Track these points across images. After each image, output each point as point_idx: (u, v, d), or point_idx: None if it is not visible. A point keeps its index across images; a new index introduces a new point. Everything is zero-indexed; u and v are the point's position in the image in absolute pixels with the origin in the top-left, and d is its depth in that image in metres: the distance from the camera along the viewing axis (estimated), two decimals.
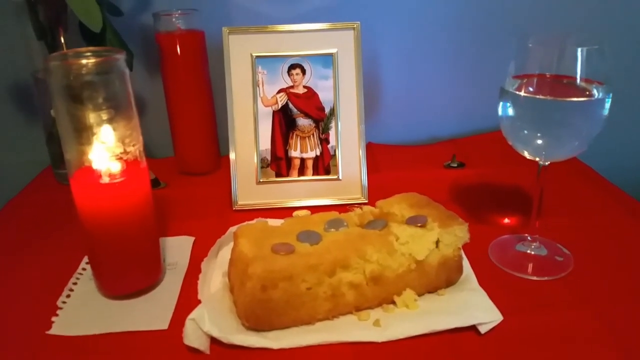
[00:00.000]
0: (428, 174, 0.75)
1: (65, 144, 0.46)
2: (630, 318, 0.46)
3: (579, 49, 0.45)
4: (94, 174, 0.46)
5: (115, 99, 0.45)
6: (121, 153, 0.46)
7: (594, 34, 0.46)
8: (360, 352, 0.43)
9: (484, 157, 0.80)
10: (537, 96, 0.47)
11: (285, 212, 0.63)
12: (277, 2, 0.78)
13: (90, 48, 0.46)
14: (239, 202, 0.67)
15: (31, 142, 0.82)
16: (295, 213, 0.59)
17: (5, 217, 0.67)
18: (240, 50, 0.66)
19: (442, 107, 0.88)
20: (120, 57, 0.44)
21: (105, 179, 0.46)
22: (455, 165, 0.78)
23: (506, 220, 0.63)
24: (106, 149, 0.45)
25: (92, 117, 0.44)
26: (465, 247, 0.50)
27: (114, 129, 0.45)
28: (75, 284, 0.52)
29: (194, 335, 0.42)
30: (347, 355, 0.43)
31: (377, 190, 0.67)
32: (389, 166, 0.78)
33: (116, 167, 0.46)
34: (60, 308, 0.49)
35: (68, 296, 0.51)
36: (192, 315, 0.43)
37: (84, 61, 0.43)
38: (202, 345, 0.42)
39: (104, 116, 0.44)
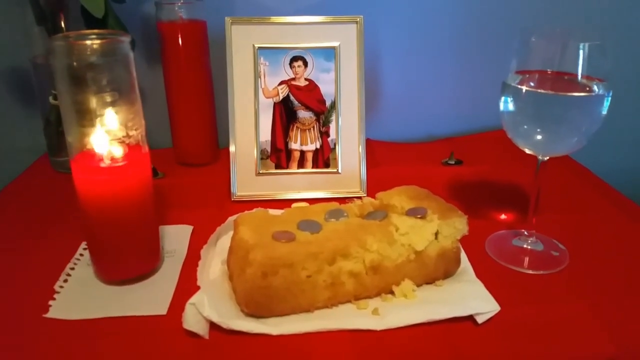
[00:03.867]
0: (426, 170, 0.75)
1: (67, 127, 0.45)
2: (622, 311, 0.47)
3: (581, 45, 0.46)
4: (95, 157, 0.46)
5: (119, 82, 0.45)
6: (123, 137, 0.46)
7: (597, 31, 0.46)
8: (359, 340, 0.43)
9: (482, 156, 0.81)
10: (538, 90, 0.48)
11: (283, 204, 0.63)
12: None
13: (94, 30, 0.46)
14: (238, 193, 0.67)
15: (29, 129, 0.82)
16: (293, 205, 0.59)
17: (1, 203, 0.67)
18: (242, 41, 0.66)
19: (441, 106, 0.89)
20: (125, 40, 0.44)
21: (107, 162, 0.46)
22: (453, 162, 0.78)
23: (503, 216, 0.64)
24: (108, 132, 0.45)
25: (95, 100, 0.44)
26: (462, 241, 0.51)
27: (117, 113, 0.45)
28: (72, 269, 0.52)
29: (193, 320, 0.42)
30: (346, 343, 0.43)
31: (375, 184, 0.67)
32: (387, 162, 0.78)
33: (118, 150, 0.46)
34: (58, 292, 0.49)
35: (65, 281, 0.50)
36: (192, 299, 0.43)
37: (88, 42, 0.43)
38: (202, 329, 0.42)
39: (107, 99, 0.44)
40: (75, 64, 0.43)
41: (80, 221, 0.50)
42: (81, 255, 0.54)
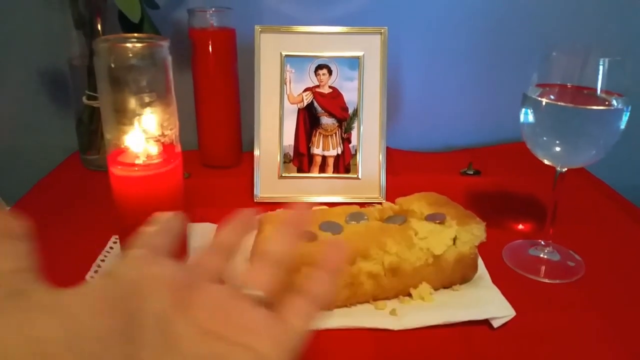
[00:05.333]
0: (444, 179, 0.77)
1: (106, 125, 0.48)
2: (636, 322, 0.48)
3: (601, 60, 0.47)
4: (131, 154, 0.48)
5: (157, 84, 0.47)
6: (159, 136, 0.48)
7: (617, 47, 0.48)
8: (377, 339, 0.45)
9: (500, 167, 0.82)
10: (558, 103, 0.49)
11: None
12: (307, 5, 0.81)
13: (135, 34, 0.49)
14: (260, 195, 0.69)
15: (62, 127, 0.85)
16: (314, 209, 0.61)
17: (33, 197, 0.70)
18: (270, 49, 0.69)
19: (460, 117, 0.90)
20: (164, 44, 0.47)
21: (143, 160, 0.48)
22: (472, 172, 0.79)
23: (520, 227, 0.65)
24: (145, 131, 0.48)
25: (133, 100, 0.47)
26: (480, 249, 0.52)
27: (154, 113, 0.48)
28: (103, 261, 0.55)
29: None
30: (364, 341, 0.44)
31: (394, 191, 0.68)
32: (406, 170, 0.80)
33: (153, 149, 0.48)
34: None
35: (96, 272, 0.53)
36: None
37: (130, 45, 0.46)
38: None
39: (146, 99, 0.47)
40: (117, 65, 0.46)
41: (109, 215, 0.52)
42: (111, 248, 0.57)
